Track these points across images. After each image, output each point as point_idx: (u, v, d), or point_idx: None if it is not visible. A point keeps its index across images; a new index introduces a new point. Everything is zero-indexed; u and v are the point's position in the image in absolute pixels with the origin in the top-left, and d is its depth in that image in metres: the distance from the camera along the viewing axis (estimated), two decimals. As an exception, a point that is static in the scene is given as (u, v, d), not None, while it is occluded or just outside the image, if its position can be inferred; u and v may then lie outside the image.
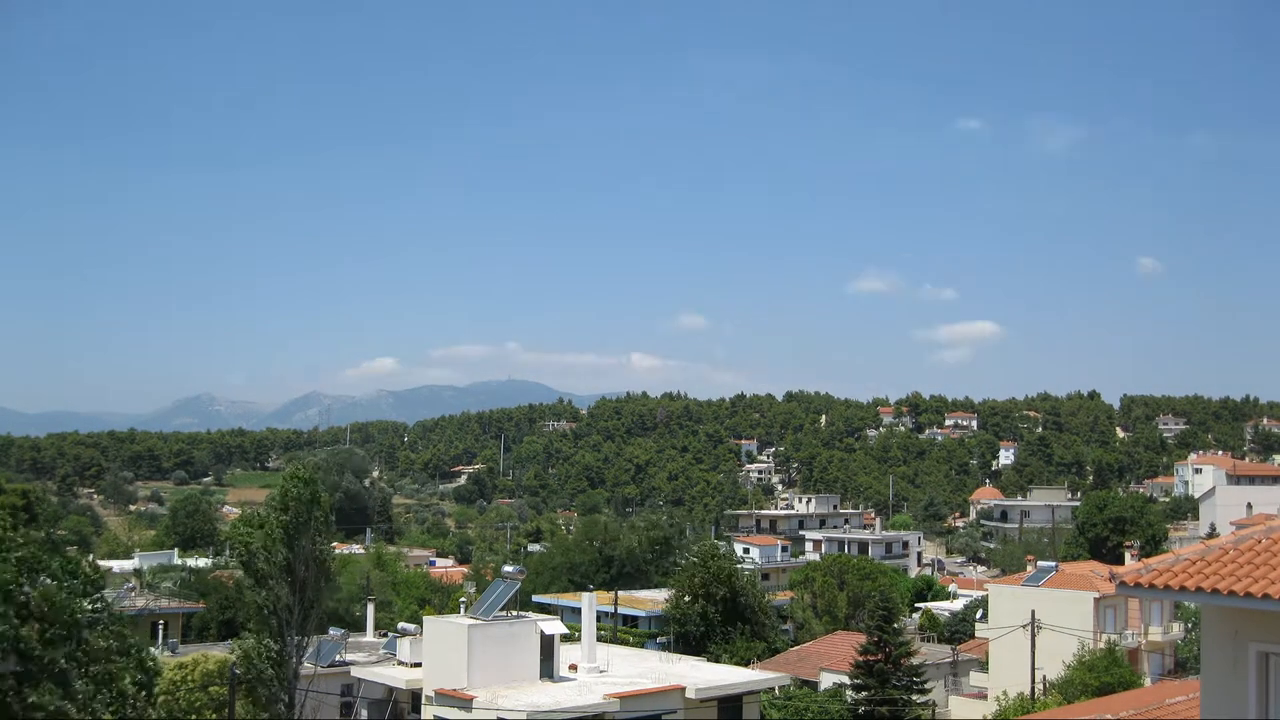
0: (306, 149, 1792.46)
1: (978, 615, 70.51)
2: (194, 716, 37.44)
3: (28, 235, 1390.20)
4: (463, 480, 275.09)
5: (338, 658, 44.54)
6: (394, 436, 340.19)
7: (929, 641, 70.92)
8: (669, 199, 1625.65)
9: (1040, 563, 68.19)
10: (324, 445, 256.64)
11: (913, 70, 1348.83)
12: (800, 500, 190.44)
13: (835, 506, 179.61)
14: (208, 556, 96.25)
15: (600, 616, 49.88)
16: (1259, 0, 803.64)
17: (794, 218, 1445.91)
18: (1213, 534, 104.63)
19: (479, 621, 35.76)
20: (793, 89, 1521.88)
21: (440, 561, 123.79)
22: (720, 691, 37.19)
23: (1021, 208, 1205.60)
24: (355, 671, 41.85)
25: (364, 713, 40.08)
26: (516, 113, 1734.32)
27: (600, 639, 42.93)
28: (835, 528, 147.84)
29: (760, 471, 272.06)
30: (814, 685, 56.46)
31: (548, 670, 36.60)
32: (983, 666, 60.99)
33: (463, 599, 55.79)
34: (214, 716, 37.74)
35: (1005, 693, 50.49)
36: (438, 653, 36.23)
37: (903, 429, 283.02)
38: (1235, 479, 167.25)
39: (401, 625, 46.03)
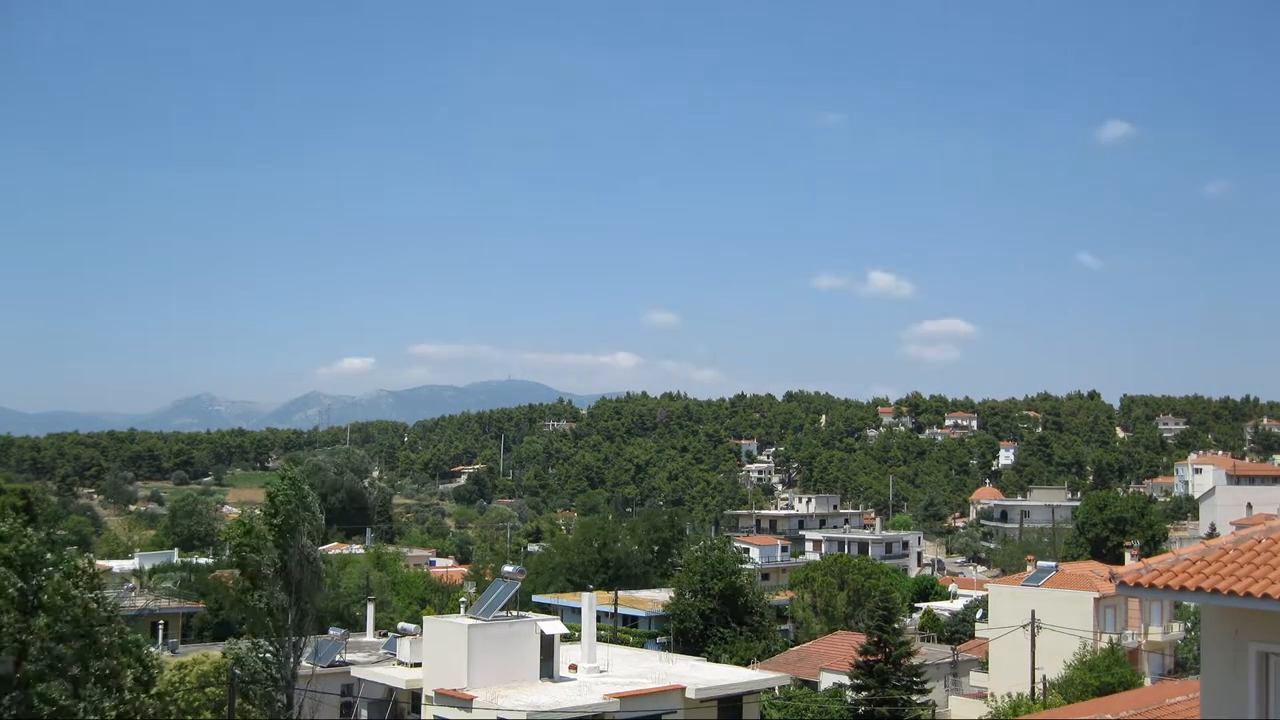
0: (306, 149, 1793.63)
1: (978, 615, 70.49)
2: (191, 717, 37.38)
3: (28, 235, 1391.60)
4: (463, 480, 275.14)
5: (337, 658, 44.53)
6: (394, 436, 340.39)
7: (929, 641, 70.89)
8: (669, 199, 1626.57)
9: (1040, 563, 68.23)
10: (324, 445, 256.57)
11: (913, 70, 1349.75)
12: (800, 500, 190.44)
13: (835, 506, 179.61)
14: (207, 556, 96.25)
15: (600, 616, 49.87)
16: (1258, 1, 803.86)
17: (794, 217, 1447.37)
18: (1213, 534, 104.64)
19: (479, 621, 35.74)
20: (791, 88, 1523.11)
21: (440, 561, 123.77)
22: (720, 691, 37.16)
23: (1021, 208, 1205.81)
24: (355, 671, 41.82)
25: (364, 713, 40.06)
26: (518, 112, 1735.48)
27: (600, 639, 42.89)
28: (835, 528, 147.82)
29: (760, 471, 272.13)
30: (814, 685, 56.45)
31: (548, 670, 36.58)
32: (983, 666, 60.99)
33: (463, 599, 55.78)
34: (212, 717, 37.71)
35: (1007, 694, 50.43)
36: (438, 653, 36.21)
37: (903, 429, 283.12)
38: (1235, 479, 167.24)
39: (401, 625, 45.99)
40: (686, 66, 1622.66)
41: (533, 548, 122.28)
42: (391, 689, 38.90)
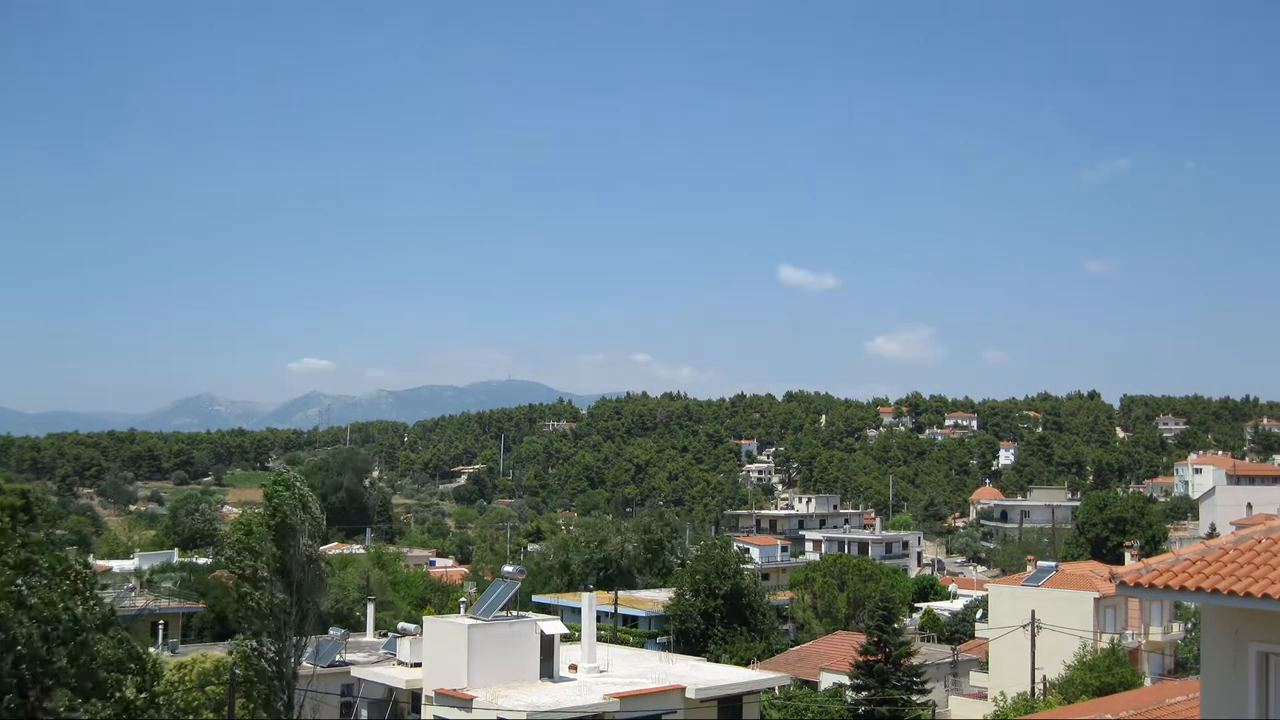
0: (306, 149, 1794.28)
1: (978, 615, 70.47)
2: (191, 716, 37.40)
3: (28, 235, 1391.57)
4: (463, 480, 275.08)
5: (338, 658, 44.51)
6: (394, 436, 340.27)
7: (929, 641, 70.87)
8: (667, 199, 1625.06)
9: (1040, 563, 68.16)
10: (324, 445, 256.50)
11: (913, 69, 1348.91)
12: (800, 500, 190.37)
13: (835, 506, 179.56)
14: (207, 556, 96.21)
15: (600, 616, 49.85)
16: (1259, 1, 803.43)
17: (794, 218, 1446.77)
18: (1213, 534, 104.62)
19: (479, 621, 35.75)
20: (791, 88, 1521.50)
21: (440, 561, 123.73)
22: (720, 691, 37.16)
23: (1021, 207, 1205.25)
24: (355, 671, 41.83)
25: (364, 713, 40.07)
26: (517, 113, 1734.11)
27: (600, 639, 42.90)
28: (835, 528, 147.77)
29: (760, 471, 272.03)
30: (814, 685, 56.44)
31: (548, 670, 36.59)
32: (983, 666, 60.97)
33: (463, 599, 55.77)
34: (212, 716, 37.72)
35: (1003, 693, 50.45)
36: (438, 653, 36.22)
37: (903, 429, 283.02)
38: (1235, 479, 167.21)
39: (401, 625, 46.00)
40: (687, 67, 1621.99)
41: (533, 548, 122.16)
42: (391, 689, 38.91)
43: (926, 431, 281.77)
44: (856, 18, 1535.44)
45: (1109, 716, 26.44)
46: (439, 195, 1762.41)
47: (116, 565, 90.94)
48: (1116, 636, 57.53)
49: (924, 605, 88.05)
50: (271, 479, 38.12)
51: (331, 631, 51.10)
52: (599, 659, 39.25)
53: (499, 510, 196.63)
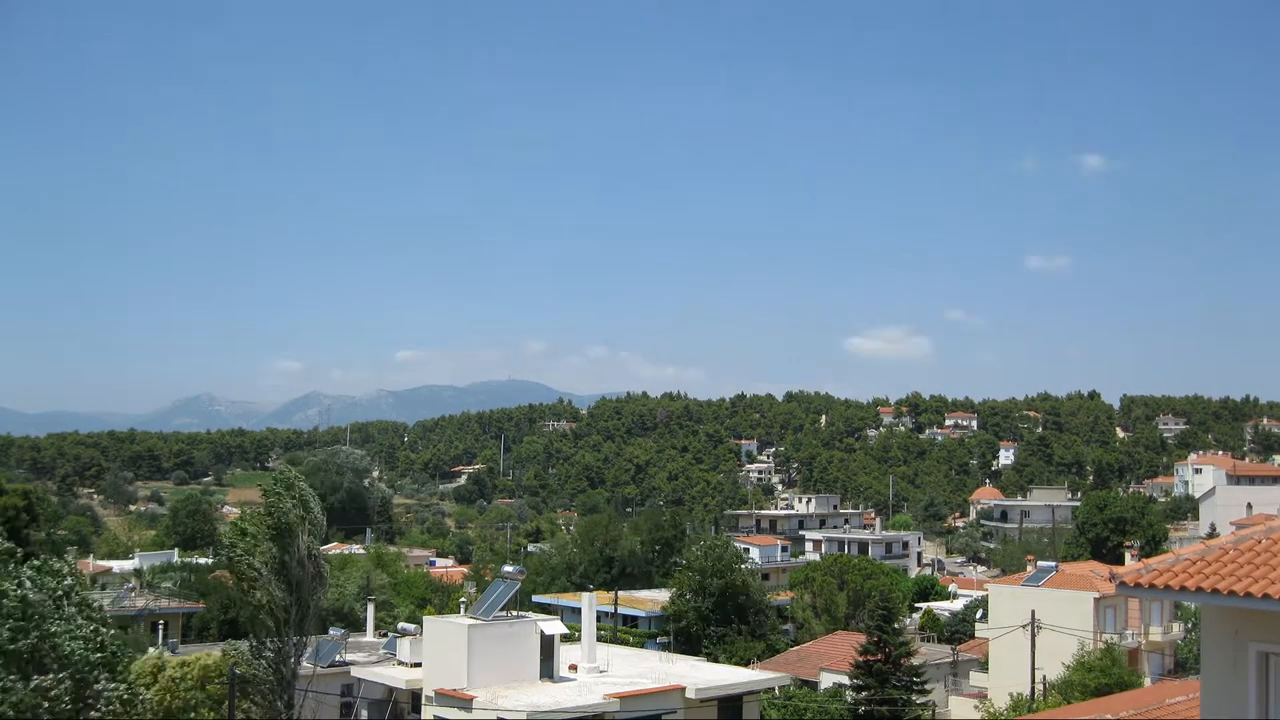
0: (307, 147, 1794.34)
1: (978, 615, 70.46)
2: (191, 715, 37.41)
3: (28, 235, 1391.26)
4: (463, 480, 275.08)
5: (338, 658, 44.52)
6: (394, 436, 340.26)
7: (929, 641, 70.90)
8: (668, 198, 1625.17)
9: (1040, 563, 68.17)
10: (324, 445, 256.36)
11: (912, 69, 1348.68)
12: (800, 500, 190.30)
13: (835, 506, 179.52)
14: (208, 556, 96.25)
15: (600, 616, 49.87)
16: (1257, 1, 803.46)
17: (795, 217, 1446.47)
18: (1213, 534, 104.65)
19: (479, 621, 35.73)
20: (791, 88, 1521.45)
21: (440, 561, 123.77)
22: (720, 691, 37.15)
23: (1020, 208, 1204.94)
24: (355, 671, 41.82)
25: (364, 713, 40.06)
26: (517, 112, 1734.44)
27: (600, 639, 42.88)
28: (835, 528, 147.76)
29: (760, 471, 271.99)
30: (814, 685, 56.46)
31: (548, 670, 36.57)
32: (983, 666, 60.98)
33: (463, 599, 55.84)
34: (212, 715, 37.73)
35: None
36: (438, 653, 36.21)
37: (903, 429, 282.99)
38: (1235, 479, 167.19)
39: (401, 625, 46.02)
40: (687, 67, 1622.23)
41: (533, 548, 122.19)
42: (391, 689, 38.90)
43: (926, 431, 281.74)
44: (857, 18, 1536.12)
45: (1109, 717, 26.43)
46: (439, 195, 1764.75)
47: (117, 565, 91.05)
48: (1116, 636, 57.55)
49: (924, 605, 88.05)
50: (271, 479, 38.13)
51: (331, 631, 51.13)
52: (599, 659, 39.23)
53: (499, 510, 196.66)
